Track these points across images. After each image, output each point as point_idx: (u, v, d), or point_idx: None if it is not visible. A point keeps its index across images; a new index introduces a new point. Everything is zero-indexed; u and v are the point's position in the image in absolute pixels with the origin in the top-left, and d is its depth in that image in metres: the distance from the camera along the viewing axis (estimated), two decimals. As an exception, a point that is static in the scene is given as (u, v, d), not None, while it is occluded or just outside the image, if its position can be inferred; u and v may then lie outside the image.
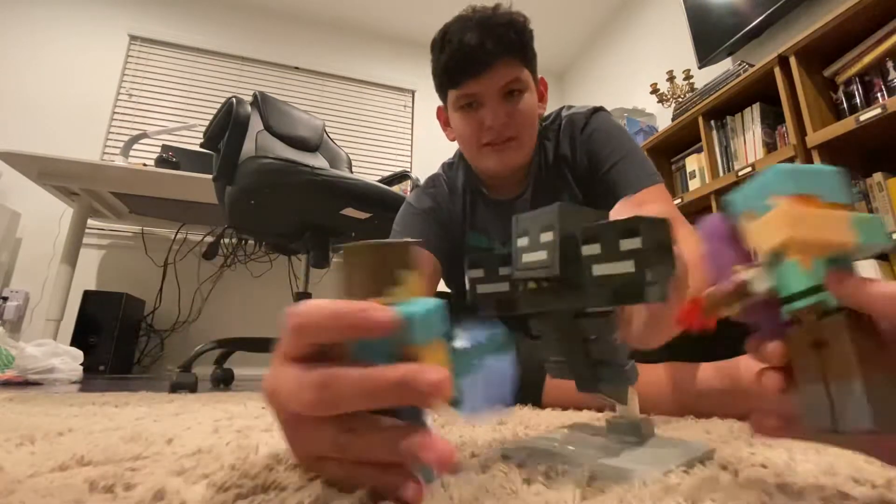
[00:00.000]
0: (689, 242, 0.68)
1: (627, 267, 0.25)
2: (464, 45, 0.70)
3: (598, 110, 0.84)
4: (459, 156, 0.90)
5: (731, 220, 0.24)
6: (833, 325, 0.20)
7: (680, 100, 2.05)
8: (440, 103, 0.84)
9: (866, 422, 0.19)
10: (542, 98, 0.83)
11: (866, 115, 1.22)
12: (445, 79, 0.76)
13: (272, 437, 0.40)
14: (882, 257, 1.20)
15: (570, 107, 0.88)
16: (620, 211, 0.71)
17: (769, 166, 0.22)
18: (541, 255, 0.28)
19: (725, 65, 1.95)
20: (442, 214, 0.86)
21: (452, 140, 0.84)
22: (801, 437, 0.23)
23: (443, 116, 0.84)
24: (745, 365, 0.52)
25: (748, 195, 0.23)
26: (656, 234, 0.25)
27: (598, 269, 0.26)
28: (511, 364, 0.36)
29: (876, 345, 0.20)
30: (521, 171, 0.82)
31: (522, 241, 0.30)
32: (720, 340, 0.64)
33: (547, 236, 0.28)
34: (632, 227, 0.25)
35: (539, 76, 0.81)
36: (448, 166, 0.92)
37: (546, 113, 0.86)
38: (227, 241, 2.14)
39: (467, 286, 0.33)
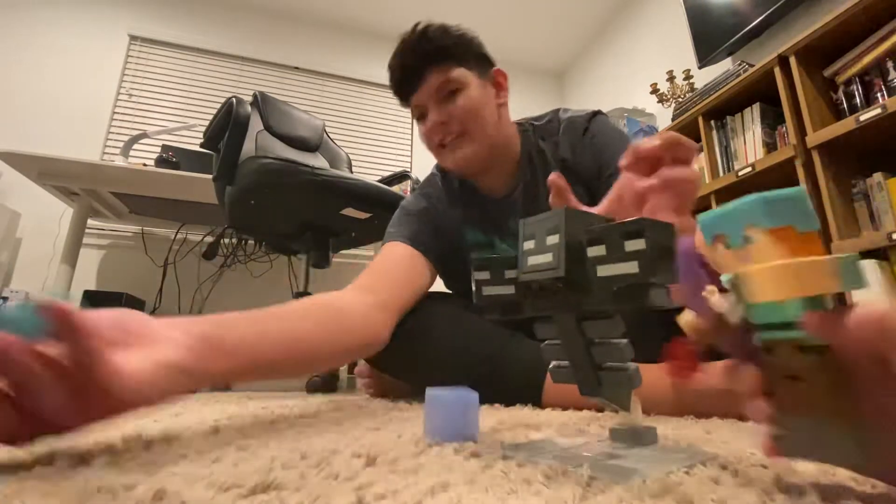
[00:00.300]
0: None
1: (632, 268, 0.25)
2: (395, 70, 0.83)
3: (597, 114, 0.87)
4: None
5: (704, 242, 0.23)
6: (809, 362, 0.20)
7: (680, 100, 2.05)
8: None
9: (852, 459, 0.19)
10: (500, 87, 0.88)
11: (866, 115, 1.22)
12: (399, 101, 0.87)
13: (272, 437, 0.40)
14: (882, 257, 1.20)
15: (565, 109, 0.90)
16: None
17: (745, 196, 0.21)
18: (547, 258, 0.29)
19: (725, 65, 1.95)
20: (437, 215, 0.89)
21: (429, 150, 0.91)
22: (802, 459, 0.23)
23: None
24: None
25: (723, 220, 0.22)
26: (660, 235, 0.25)
27: (603, 271, 0.26)
28: (475, 400, 0.38)
29: (858, 379, 0.20)
30: (501, 166, 0.86)
31: (529, 244, 0.30)
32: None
33: (553, 239, 0.28)
34: (636, 228, 0.25)
35: (494, 68, 0.87)
36: (439, 167, 0.96)
37: (506, 99, 0.90)
38: (227, 241, 2.14)
39: (473, 288, 0.33)
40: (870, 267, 1.18)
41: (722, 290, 0.23)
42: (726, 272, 0.22)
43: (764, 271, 0.20)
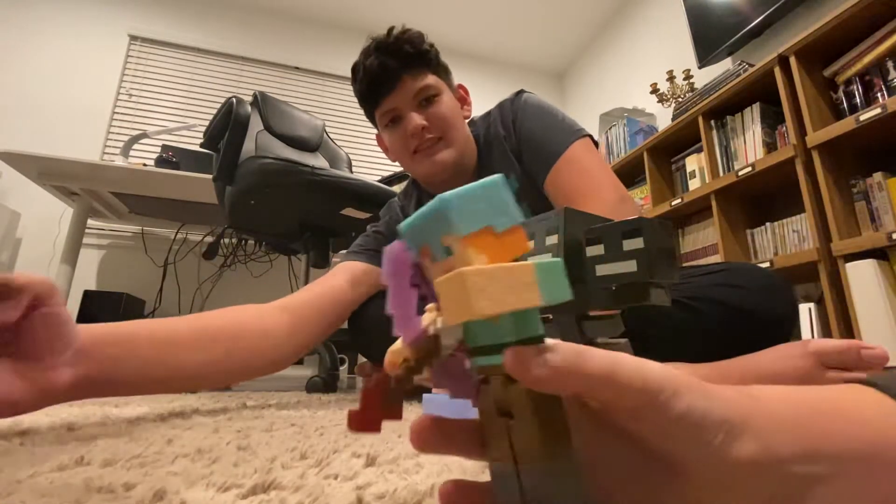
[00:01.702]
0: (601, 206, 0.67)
1: (630, 266, 0.25)
2: (369, 70, 0.79)
3: (521, 91, 0.89)
4: (412, 181, 0.96)
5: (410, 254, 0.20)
6: (518, 394, 0.16)
7: (680, 100, 2.05)
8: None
9: None
10: (464, 101, 0.89)
11: (866, 115, 1.22)
12: (365, 104, 0.85)
13: (272, 437, 0.40)
14: (882, 257, 1.20)
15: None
16: (557, 174, 0.77)
17: (438, 196, 0.17)
18: (545, 258, 0.29)
19: (725, 65, 1.95)
20: (391, 238, 0.89)
21: (394, 161, 0.89)
22: None
23: (381, 142, 0.90)
24: (743, 366, 0.52)
25: (419, 229, 0.19)
26: (658, 235, 0.25)
27: (602, 270, 0.26)
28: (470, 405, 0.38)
29: (579, 415, 0.17)
30: (464, 173, 0.86)
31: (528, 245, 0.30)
32: (718, 341, 0.65)
33: (552, 239, 0.29)
34: (634, 227, 0.25)
35: (457, 83, 0.89)
36: (403, 194, 0.98)
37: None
38: (227, 241, 2.14)
39: None
40: (870, 267, 1.18)
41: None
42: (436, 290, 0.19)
43: (442, 285, 0.16)
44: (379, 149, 3.17)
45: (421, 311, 0.19)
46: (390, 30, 0.81)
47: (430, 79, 0.81)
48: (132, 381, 0.46)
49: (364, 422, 0.19)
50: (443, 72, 0.84)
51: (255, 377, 0.65)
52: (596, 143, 0.82)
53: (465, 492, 0.18)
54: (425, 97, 0.80)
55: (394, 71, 0.79)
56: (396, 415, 0.19)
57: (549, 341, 0.16)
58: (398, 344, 0.20)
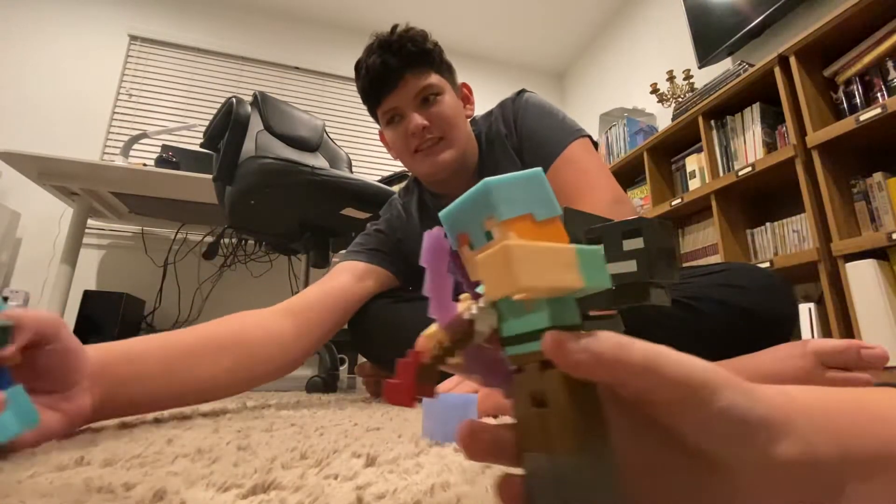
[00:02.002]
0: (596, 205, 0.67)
1: (630, 266, 0.25)
2: (371, 68, 0.79)
3: (522, 91, 0.89)
4: (414, 179, 0.96)
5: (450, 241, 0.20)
6: (553, 381, 0.16)
7: (680, 100, 2.05)
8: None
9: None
10: (467, 100, 0.89)
11: (866, 115, 1.22)
12: (368, 102, 0.85)
13: (272, 437, 0.40)
14: (882, 257, 1.20)
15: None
16: (556, 173, 0.77)
17: (482, 181, 0.18)
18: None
19: (725, 65, 1.95)
20: (398, 228, 0.91)
21: (395, 158, 0.89)
22: None
23: (384, 138, 0.90)
24: (743, 366, 0.52)
25: (460, 216, 0.19)
26: (659, 235, 0.25)
27: None
28: (474, 400, 0.38)
29: (613, 408, 0.17)
30: (465, 172, 0.86)
31: None
32: (718, 341, 0.65)
33: None
34: (634, 227, 0.25)
35: (460, 81, 0.89)
36: (404, 191, 0.98)
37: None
38: (227, 241, 2.14)
39: None
40: (870, 267, 1.18)
41: (477, 297, 0.20)
42: (475, 277, 0.19)
43: (486, 259, 0.16)
44: (379, 149, 3.15)
45: (455, 300, 0.20)
46: (394, 28, 0.81)
47: (433, 78, 0.81)
48: (147, 398, 0.47)
49: (398, 394, 0.19)
50: (446, 70, 0.84)
51: (265, 383, 0.66)
52: (595, 144, 0.83)
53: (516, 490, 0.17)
54: (427, 96, 0.80)
55: (396, 69, 0.78)
56: (428, 392, 0.20)
57: (592, 332, 0.16)
58: (433, 327, 0.21)
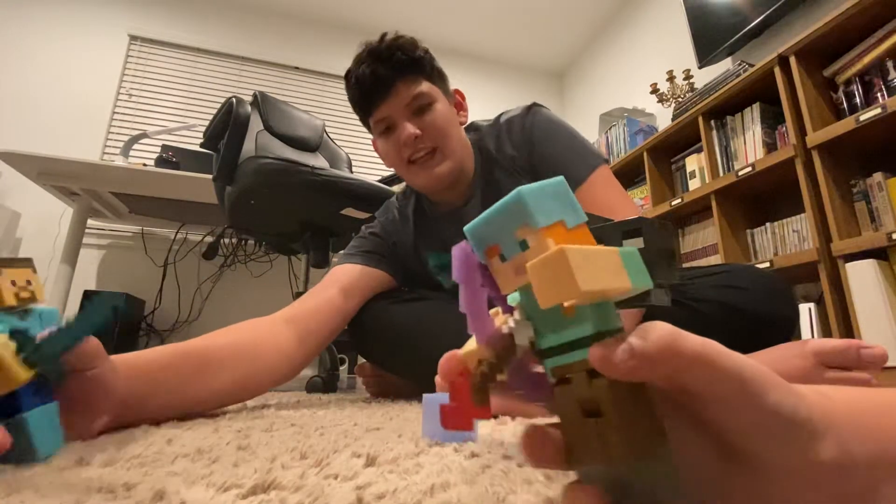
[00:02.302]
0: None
1: None
2: (361, 77, 0.78)
3: (532, 106, 0.86)
4: None
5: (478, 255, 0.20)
6: (605, 391, 0.16)
7: (680, 100, 2.05)
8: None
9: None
10: (460, 107, 0.87)
11: (866, 115, 1.22)
12: (359, 112, 0.83)
13: (272, 437, 0.40)
14: (882, 257, 1.20)
15: (504, 112, 0.89)
16: (580, 202, 0.74)
17: (515, 191, 0.18)
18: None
19: (725, 65, 1.95)
20: (388, 240, 0.90)
21: (389, 167, 0.89)
22: None
23: (377, 147, 0.88)
24: (763, 361, 0.52)
25: (490, 227, 0.19)
26: (659, 235, 0.25)
27: None
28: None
29: (668, 409, 0.16)
30: (462, 180, 0.84)
31: None
32: (727, 340, 0.65)
33: None
34: (635, 227, 0.25)
35: (453, 88, 0.87)
36: (402, 195, 0.97)
37: (471, 120, 0.91)
38: (227, 241, 2.14)
39: None
40: (870, 267, 1.18)
41: (508, 310, 0.19)
42: (507, 289, 0.19)
43: (537, 266, 0.16)
44: (379, 149, 3.13)
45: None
46: (383, 36, 0.79)
47: (424, 86, 0.79)
48: (159, 410, 0.48)
49: (457, 418, 0.19)
50: (437, 78, 0.82)
51: (269, 390, 0.66)
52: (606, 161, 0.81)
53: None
54: (419, 105, 0.78)
55: (386, 78, 0.77)
56: (486, 414, 0.20)
57: (642, 325, 0.16)
58: (471, 344, 0.20)
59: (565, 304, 0.17)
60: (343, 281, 0.80)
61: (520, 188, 0.18)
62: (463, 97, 0.89)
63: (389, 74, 0.77)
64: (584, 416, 0.16)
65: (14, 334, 0.29)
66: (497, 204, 0.18)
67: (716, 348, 0.16)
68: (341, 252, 0.90)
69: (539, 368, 0.19)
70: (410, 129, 0.77)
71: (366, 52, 0.78)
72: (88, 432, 0.38)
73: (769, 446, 0.15)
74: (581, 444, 0.17)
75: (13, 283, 0.32)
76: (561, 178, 0.18)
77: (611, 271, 0.16)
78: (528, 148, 0.82)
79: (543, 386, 0.19)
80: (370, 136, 0.88)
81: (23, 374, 0.29)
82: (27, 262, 0.34)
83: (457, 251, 0.20)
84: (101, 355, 0.38)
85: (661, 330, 0.15)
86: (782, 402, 0.15)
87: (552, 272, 0.16)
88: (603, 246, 0.17)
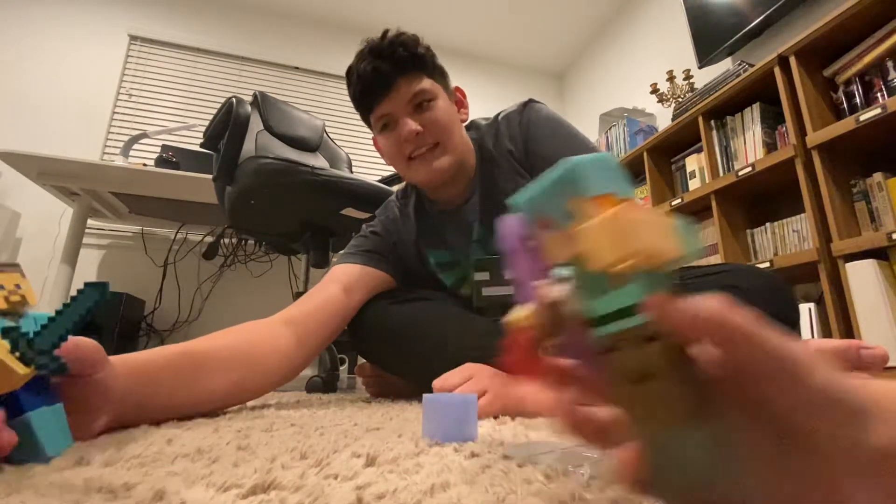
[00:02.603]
0: None
1: None
2: (363, 74, 0.78)
3: (528, 102, 0.86)
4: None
5: (527, 227, 0.20)
6: (656, 354, 0.16)
7: (680, 100, 2.05)
8: None
9: (744, 490, 0.15)
10: (460, 104, 0.87)
11: (866, 115, 1.22)
12: (360, 109, 0.83)
13: (272, 437, 0.40)
14: (882, 257, 1.20)
15: (503, 111, 0.90)
16: None
17: (560, 162, 0.18)
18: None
19: (725, 65, 1.95)
20: (388, 239, 0.90)
21: (389, 165, 0.88)
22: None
23: (378, 144, 0.88)
24: None
25: (541, 199, 0.19)
26: None
27: None
28: (473, 399, 0.38)
29: (718, 377, 0.17)
30: (462, 177, 0.85)
31: None
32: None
33: None
34: None
35: (453, 85, 0.87)
36: (402, 193, 0.97)
37: (472, 118, 0.91)
38: (227, 241, 2.14)
39: (473, 289, 0.33)
40: (870, 267, 1.18)
41: (555, 281, 0.20)
42: (558, 259, 0.19)
43: (593, 227, 0.17)
44: (379, 149, 3.14)
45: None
46: (385, 33, 0.79)
47: (426, 83, 0.79)
48: (158, 411, 0.48)
49: (524, 365, 0.20)
50: (438, 75, 0.82)
51: (269, 391, 0.66)
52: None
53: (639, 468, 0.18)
54: (420, 102, 0.78)
55: (387, 75, 0.77)
56: (542, 370, 0.20)
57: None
58: (519, 311, 0.21)
59: (617, 269, 0.17)
60: (343, 281, 0.80)
61: (570, 159, 0.18)
62: (464, 95, 0.89)
63: (391, 71, 0.77)
64: (634, 383, 0.17)
65: (6, 332, 0.29)
66: (548, 176, 0.19)
67: (766, 325, 0.16)
68: (341, 251, 0.90)
69: (585, 338, 0.19)
70: (412, 125, 0.77)
71: (367, 49, 0.78)
72: (88, 432, 0.38)
73: (822, 426, 0.15)
74: (634, 411, 0.17)
75: (1, 287, 0.32)
76: (606, 153, 0.19)
77: (664, 236, 0.17)
78: (524, 143, 0.82)
79: (590, 355, 0.19)
80: (370, 136, 0.88)
81: (20, 371, 0.28)
82: (15, 267, 0.34)
83: (505, 223, 0.20)
84: (103, 360, 0.38)
85: (717, 297, 0.16)
86: (832, 382, 0.15)
87: (607, 233, 0.16)
88: (662, 217, 0.17)
